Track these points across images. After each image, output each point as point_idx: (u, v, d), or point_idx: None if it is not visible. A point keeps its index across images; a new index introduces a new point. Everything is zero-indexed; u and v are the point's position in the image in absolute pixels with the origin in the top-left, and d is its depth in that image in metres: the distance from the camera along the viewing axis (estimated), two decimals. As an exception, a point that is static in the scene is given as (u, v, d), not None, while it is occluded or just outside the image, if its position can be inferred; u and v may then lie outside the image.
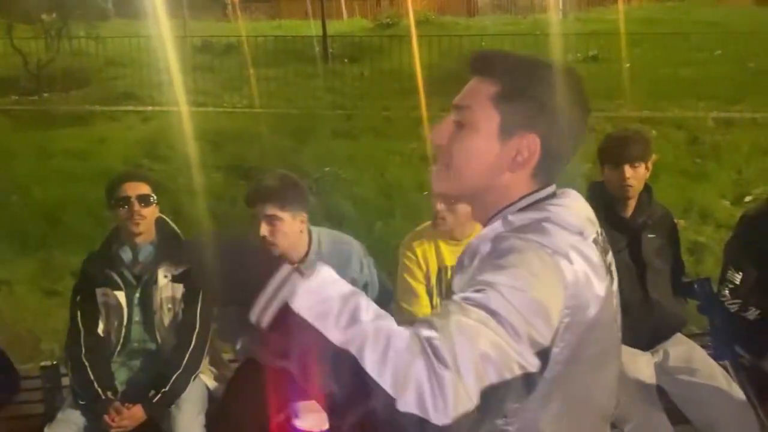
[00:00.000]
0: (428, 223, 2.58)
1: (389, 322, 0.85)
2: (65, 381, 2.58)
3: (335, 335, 0.82)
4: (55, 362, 2.63)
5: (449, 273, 2.54)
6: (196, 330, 2.47)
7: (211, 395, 2.54)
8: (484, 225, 1.12)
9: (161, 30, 10.16)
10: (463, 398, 0.80)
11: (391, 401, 0.79)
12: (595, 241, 1.07)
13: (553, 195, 1.09)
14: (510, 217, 1.06)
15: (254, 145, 7.72)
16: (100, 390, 2.34)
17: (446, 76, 9.79)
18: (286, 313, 0.84)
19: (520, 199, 1.08)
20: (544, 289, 0.94)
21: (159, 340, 2.48)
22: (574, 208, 1.08)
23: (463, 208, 2.45)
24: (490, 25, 13.54)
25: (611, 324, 1.08)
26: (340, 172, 6.83)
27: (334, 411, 0.85)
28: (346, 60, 11.50)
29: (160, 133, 8.15)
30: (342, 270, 2.51)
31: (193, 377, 2.45)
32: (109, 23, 13.43)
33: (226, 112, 9.45)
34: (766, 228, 2.62)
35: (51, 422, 2.33)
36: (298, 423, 2.36)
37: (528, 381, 0.89)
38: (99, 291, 2.45)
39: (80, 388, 2.37)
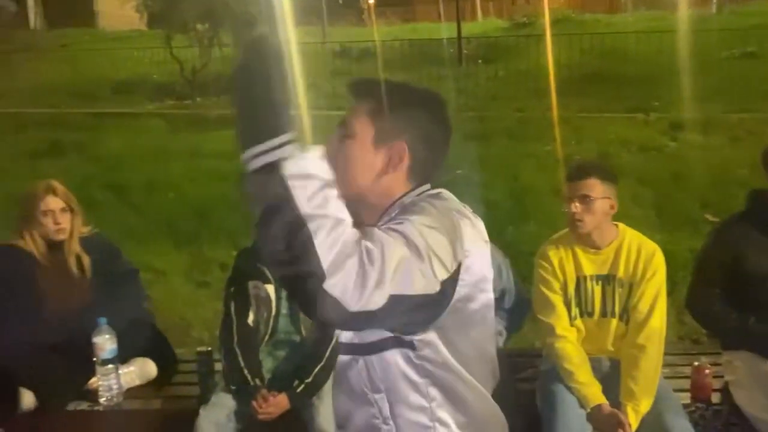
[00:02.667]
0: (565, 231, 2.50)
1: (347, 219, 1.01)
2: (218, 366, 2.77)
3: (305, 207, 0.97)
4: (209, 348, 2.82)
5: (588, 283, 2.45)
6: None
7: (349, 389, 2.62)
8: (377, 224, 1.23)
9: (301, 37, 10.61)
10: (375, 298, 0.98)
11: (321, 278, 0.96)
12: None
13: (430, 190, 1.31)
14: (407, 201, 1.27)
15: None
16: (249, 376, 2.47)
17: (584, 77, 9.47)
18: (273, 169, 1.00)
19: (408, 192, 1.29)
20: (448, 229, 1.15)
21: (303, 333, 2.59)
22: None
23: (601, 207, 2.35)
24: (634, 22, 12.86)
25: (489, 308, 1.28)
26: (471, 174, 6.78)
27: (271, 264, 1.04)
28: (480, 61, 11.42)
29: (300, 135, 8.52)
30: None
31: (333, 371, 2.54)
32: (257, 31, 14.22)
33: (362, 115, 9.69)
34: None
35: (206, 404, 2.49)
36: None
37: (431, 303, 1.10)
38: (251, 284, 2.59)
39: (232, 373, 2.52)
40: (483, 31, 14.62)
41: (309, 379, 2.47)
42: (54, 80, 12.84)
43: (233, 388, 2.50)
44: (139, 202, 7.09)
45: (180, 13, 12.54)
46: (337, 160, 1.24)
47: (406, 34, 14.05)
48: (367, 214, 1.29)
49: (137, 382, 2.79)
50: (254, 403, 2.42)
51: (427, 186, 1.32)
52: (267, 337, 2.62)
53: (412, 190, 1.29)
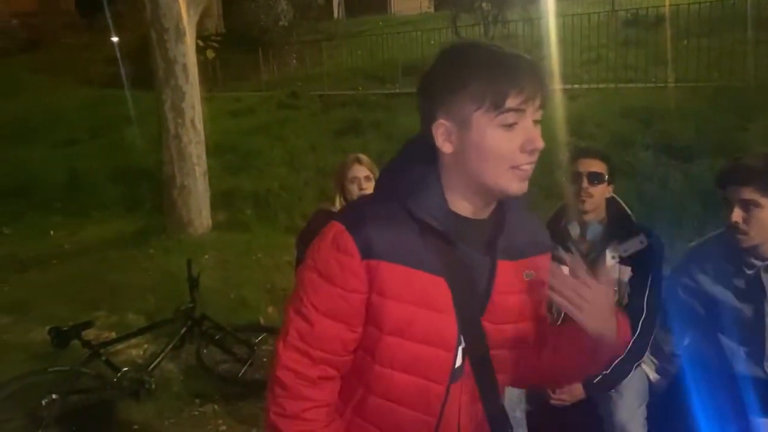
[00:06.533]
0: None
1: None
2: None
3: None
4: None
5: None
6: (643, 317, 2.33)
7: (652, 388, 2.40)
8: None
9: (587, 7, 10.02)
10: None
11: None
12: None
13: None
14: None
15: (688, 123, 7.07)
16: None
17: None
18: None
19: None
20: None
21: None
22: None
23: None
24: None
25: None
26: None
27: None
28: (809, 20, 9.62)
29: (588, 110, 8.11)
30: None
31: (635, 365, 2.34)
32: (538, 5, 13.88)
33: (657, 88, 8.86)
34: None
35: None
36: (760, 441, 2.05)
37: None
38: (546, 263, 2.51)
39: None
40: (813, -16, 12.27)
41: (607, 371, 2.30)
42: (353, 64, 14.13)
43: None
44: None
45: (466, -7, 12.83)
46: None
47: (712, -5, 12.44)
48: None
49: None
50: (548, 389, 2.34)
51: None
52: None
53: None
